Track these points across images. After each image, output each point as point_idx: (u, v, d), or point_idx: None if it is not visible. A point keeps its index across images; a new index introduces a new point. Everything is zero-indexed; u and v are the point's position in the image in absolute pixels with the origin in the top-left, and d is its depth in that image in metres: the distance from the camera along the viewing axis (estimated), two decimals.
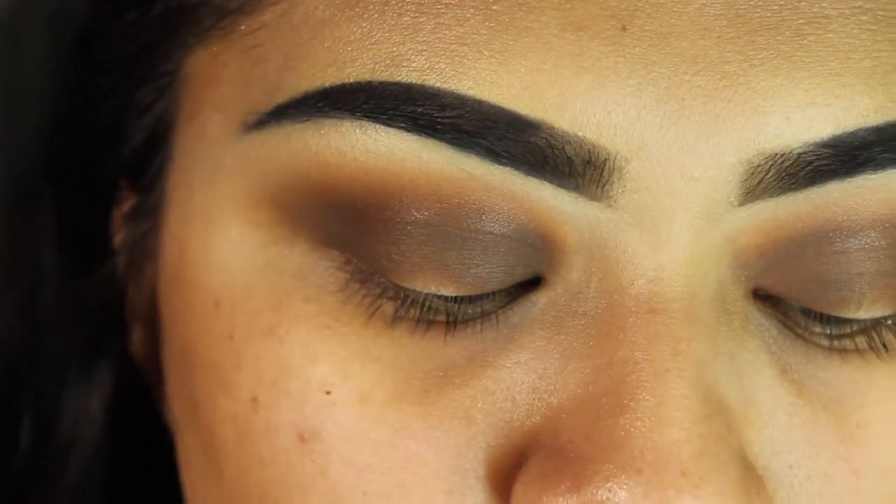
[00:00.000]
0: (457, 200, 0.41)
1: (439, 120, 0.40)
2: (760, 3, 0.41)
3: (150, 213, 0.48)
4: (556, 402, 0.41)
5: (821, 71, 0.41)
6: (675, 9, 0.40)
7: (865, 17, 0.41)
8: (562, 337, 0.42)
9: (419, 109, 0.41)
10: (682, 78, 0.40)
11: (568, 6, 0.40)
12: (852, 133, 0.41)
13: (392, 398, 0.42)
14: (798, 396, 0.43)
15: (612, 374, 0.41)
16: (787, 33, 0.41)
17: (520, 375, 0.42)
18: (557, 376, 0.41)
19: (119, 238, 0.50)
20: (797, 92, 0.41)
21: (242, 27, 0.44)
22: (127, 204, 0.49)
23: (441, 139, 0.41)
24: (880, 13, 0.41)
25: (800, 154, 0.41)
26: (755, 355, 0.42)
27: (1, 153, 0.53)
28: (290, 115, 0.42)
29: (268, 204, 0.43)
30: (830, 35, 0.41)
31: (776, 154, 0.41)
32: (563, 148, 0.40)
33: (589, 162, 0.40)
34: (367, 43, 0.41)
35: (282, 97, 0.42)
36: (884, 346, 0.43)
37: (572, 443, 0.40)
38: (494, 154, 0.40)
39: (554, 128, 0.40)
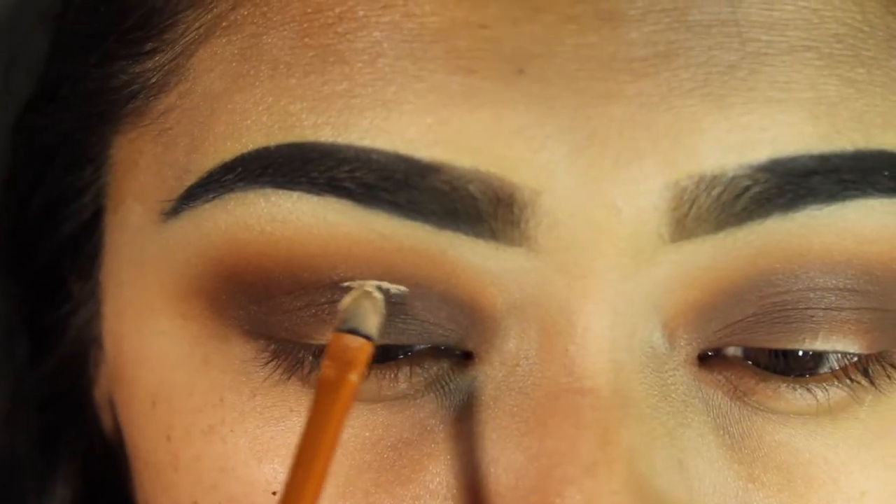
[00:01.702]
0: (369, 264, 0.39)
1: (338, 176, 0.39)
2: (685, 44, 0.38)
3: (91, 299, 0.46)
4: (490, 501, 0.39)
5: (757, 97, 0.38)
6: (582, 53, 0.38)
7: (809, 54, 0.38)
8: (498, 422, 0.39)
9: (317, 167, 0.39)
10: (590, 111, 0.38)
11: (457, 53, 0.38)
12: (793, 158, 0.38)
13: (342, 495, 0.40)
14: (749, 480, 0.40)
15: (540, 467, 0.38)
16: (716, 68, 0.38)
17: (458, 469, 0.40)
18: (492, 469, 0.39)
19: (69, 322, 0.48)
20: (730, 115, 0.38)
21: (151, 111, 0.43)
22: (71, 287, 0.48)
23: (344, 197, 0.39)
24: (825, 50, 0.39)
25: (733, 178, 0.38)
26: (699, 434, 0.39)
27: None
28: (199, 196, 0.41)
29: (195, 296, 0.42)
30: (768, 69, 0.38)
31: (707, 176, 0.38)
32: (467, 188, 0.38)
33: (497, 200, 0.38)
34: (259, 109, 0.40)
35: (191, 179, 0.41)
36: (861, 381, 0.40)
37: None
38: (400, 208, 0.38)
39: (455, 167, 0.38)
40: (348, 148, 0.39)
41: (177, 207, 0.41)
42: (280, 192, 0.39)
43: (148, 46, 0.42)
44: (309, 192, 0.39)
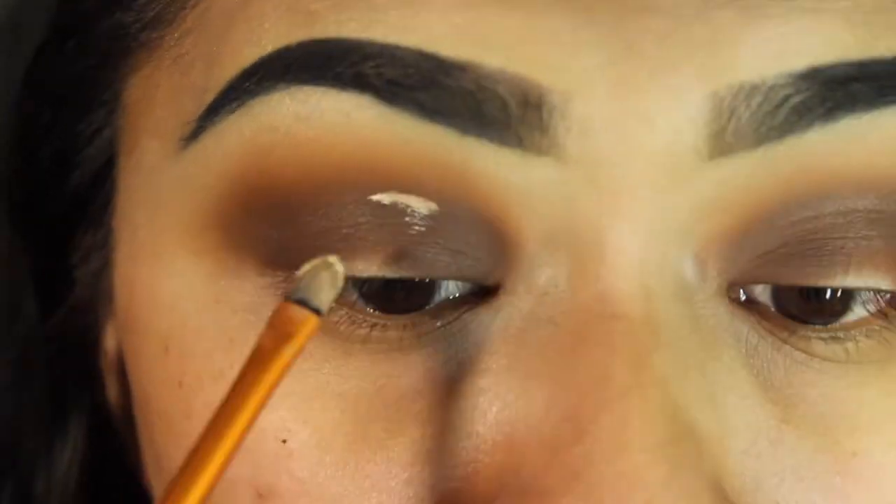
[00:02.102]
0: (392, 176, 0.38)
1: (363, 72, 0.37)
2: None
3: (100, 249, 0.45)
4: (517, 433, 0.37)
5: (795, 7, 0.37)
6: None
7: None
8: (525, 353, 0.38)
9: (341, 63, 0.38)
10: (627, 22, 0.36)
11: None
12: (832, 66, 0.37)
13: (352, 442, 0.38)
14: (783, 420, 0.38)
15: (571, 396, 0.37)
16: None
17: (483, 404, 0.38)
18: (519, 402, 0.37)
19: (79, 273, 0.47)
20: (768, 26, 0.37)
21: (167, 39, 0.41)
22: (82, 237, 0.46)
23: (368, 93, 0.37)
24: None
25: (773, 86, 0.36)
26: (730, 369, 0.38)
27: None
28: (221, 109, 0.39)
29: (211, 227, 0.40)
30: None
31: (746, 86, 0.36)
32: (495, 89, 0.37)
33: (526, 103, 0.36)
34: (279, 12, 0.39)
35: (210, 96, 0.40)
36: (889, 319, 0.39)
37: (534, 478, 0.36)
38: (424, 108, 0.37)
39: (482, 67, 0.37)
40: (373, 44, 0.37)
41: (198, 128, 0.40)
42: (305, 88, 0.38)
43: None
44: (334, 87, 0.38)
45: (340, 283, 0.37)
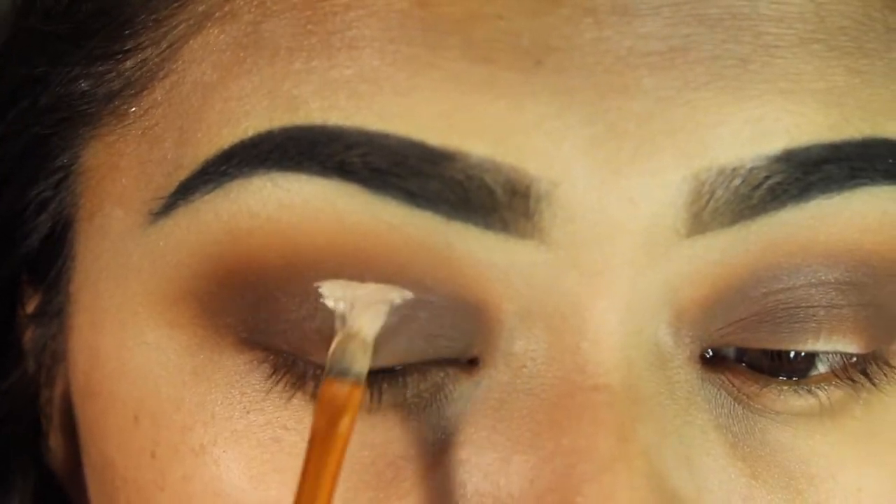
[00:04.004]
0: (375, 262, 0.38)
1: (347, 159, 0.38)
2: (699, 38, 0.38)
3: (55, 315, 0.44)
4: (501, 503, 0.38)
5: (770, 89, 0.38)
6: (600, 47, 0.37)
7: (817, 46, 0.39)
8: (505, 424, 0.38)
9: (326, 150, 0.38)
10: (609, 103, 0.37)
11: (474, 43, 0.37)
12: (806, 148, 0.38)
13: None
14: (752, 477, 0.40)
15: (556, 467, 0.37)
16: (730, 61, 0.38)
17: (462, 475, 0.39)
18: (501, 473, 0.38)
19: (26, 339, 0.46)
20: (745, 108, 0.38)
21: (133, 109, 0.41)
22: (31, 304, 0.46)
23: (353, 181, 0.38)
24: (833, 42, 0.39)
25: (752, 169, 0.38)
26: (703, 432, 0.39)
27: None
28: (196, 189, 0.39)
29: (185, 301, 0.40)
30: (779, 60, 0.38)
31: (726, 169, 0.38)
32: (483, 177, 0.37)
33: (514, 191, 0.37)
34: (259, 94, 0.39)
35: (183, 173, 0.39)
36: (853, 380, 0.40)
37: None
38: (411, 195, 0.37)
39: (470, 156, 0.37)
40: (359, 132, 0.37)
41: (169, 204, 0.40)
42: (288, 174, 0.38)
43: (130, 44, 0.41)
44: (318, 174, 0.38)
45: (370, 349, 0.38)
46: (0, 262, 0.45)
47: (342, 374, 0.37)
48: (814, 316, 0.39)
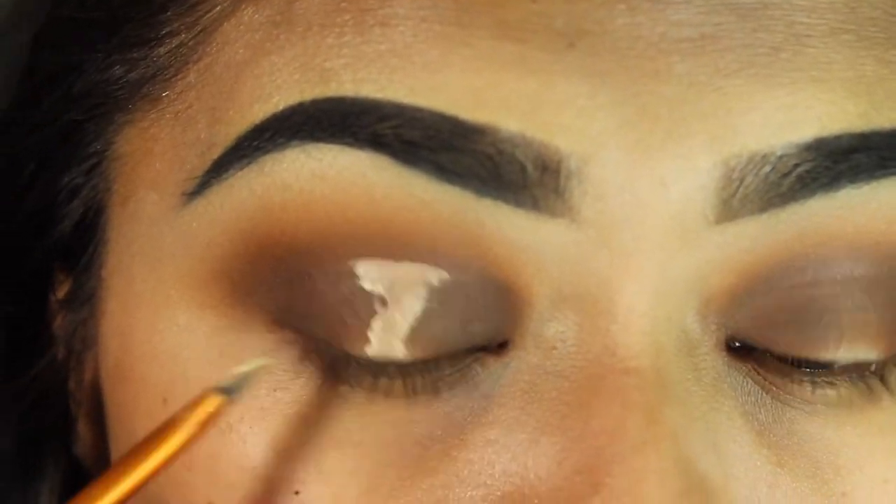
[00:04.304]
0: (406, 239, 0.38)
1: (380, 131, 0.38)
2: (730, 26, 0.38)
3: (86, 300, 0.44)
4: (529, 484, 0.38)
5: (801, 77, 0.38)
6: (632, 33, 0.38)
7: (847, 36, 0.39)
8: (535, 406, 0.39)
9: (358, 122, 0.38)
10: (640, 87, 0.38)
11: (506, 24, 0.38)
12: (837, 137, 0.38)
13: (364, 493, 0.39)
14: (778, 465, 0.40)
15: (585, 449, 0.38)
16: (761, 49, 0.38)
17: (491, 455, 0.39)
18: (529, 454, 0.38)
19: (56, 325, 0.46)
20: (776, 95, 0.38)
21: (167, 94, 0.41)
22: (62, 289, 0.46)
23: (386, 154, 0.38)
24: (863, 32, 0.39)
25: (781, 156, 0.38)
26: (730, 419, 0.39)
27: None
28: (230, 165, 0.39)
29: (217, 281, 0.40)
30: (811, 50, 0.39)
31: (756, 155, 0.38)
32: (513, 152, 0.37)
33: (544, 167, 0.37)
34: (291, 69, 0.39)
35: (216, 151, 0.40)
36: (870, 389, 0.40)
37: None
38: (442, 170, 0.38)
39: (500, 131, 0.37)
40: (391, 104, 0.38)
41: (203, 183, 0.40)
42: (321, 145, 0.38)
43: (164, 30, 0.41)
44: (351, 145, 0.38)
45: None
46: (33, 249, 0.45)
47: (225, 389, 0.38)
48: (837, 321, 0.39)
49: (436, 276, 0.38)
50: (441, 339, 0.39)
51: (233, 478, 0.40)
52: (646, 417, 0.38)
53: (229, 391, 0.38)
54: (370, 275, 0.38)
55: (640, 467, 0.37)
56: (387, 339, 0.39)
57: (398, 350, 0.39)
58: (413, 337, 0.38)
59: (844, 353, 0.40)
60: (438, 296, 0.38)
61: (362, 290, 0.38)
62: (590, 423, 0.38)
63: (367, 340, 0.39)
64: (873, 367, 0.40)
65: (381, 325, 0.38)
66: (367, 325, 0.39)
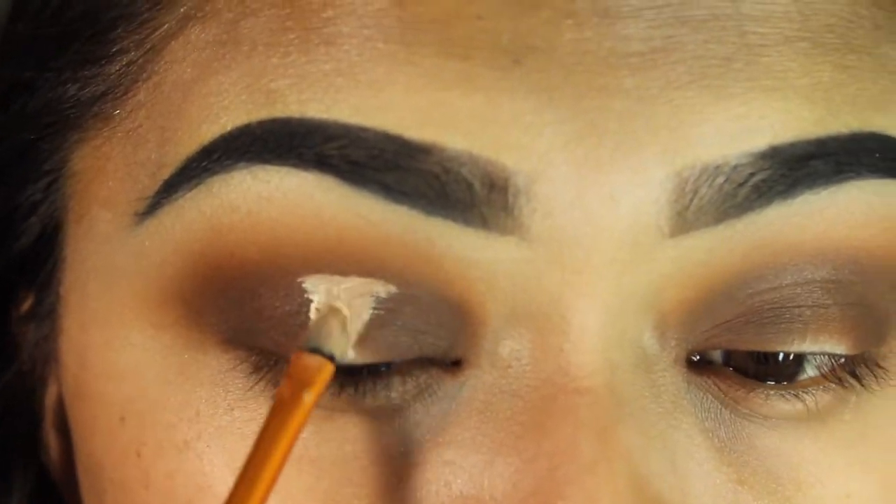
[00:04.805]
0: (355, 258, 0.38)
1: (326, 152, 0.38)
2: (681, 39, 0.38)
3: (47, 316, 0.44)
4: None
5: (754, 86, 0.38)
6: (580, 48, 0.37)
7: (803, 44, 0.39)
8: (490, 426, 0.38)
9: (303, 143, 0.38)
10: (589, 102, 0.37)
11: (451, 41, 0.37)
12: (792, 144, 0.38)
13: None
14: (739, 483, 0.39)
15: (538, 470, 0.37)
16: (713, 61, 0.38)
17: (448, 476, 0.39)
18: (485, 475, 0.38)
19: (21, 338, 0.46)
20: (729, 105, 0.38)
21: (118, 112, 0.41)
22: (24, 304, 0.46)
23: (331, 174, 0.38)
24: (819, 39, 0.39)
25: (736, 166, 0.37)
26: (689, 436, 0.39)
27: None
28: (179, 186, 0.39)
29: (171, 302, 0.40)
30: (764, 59, 0.38)
31: (709, 166, 0.37)
32: (460, 171, 0.37)
33: (491, 185, 0.37)
34: (237, 89, 0.39)
35: (166, 172, 0.40)
36: (842, 382, 0.40)
37: None
38: (388, 190, 0.37)
39: (446, 149, 0.37)
40: (336, 125, 0.38)
41: (153, 204, 0.40)
42: (267, 167, 0.38)
43: (115, 48, 0.41)
44: (297, 167, 0.38)
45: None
46: None
47: (316, 349, 0.37)
48: (800, 316, 0.39)
49: (384, 289, 0.38)
50: (392, 345, 0.38)
51: (190, 495, 0.40)
52: (598, 437, 0.37)
53: (320, 350, 0.38)
54: (318, 288, 0.38)
55: (593, 488, 0.37)
56: (328, 326, 0.38)
57: (347, 353, 0.38)
58: (362, 341, 0.38)
59: (810, 344, 0.39)
60: (388, 304, 0.38)
61: (310, 301, 0.38)
62: (543, 443, 0.38)
63: None
64: (843, 362, 0.40)
65: (325, 311, 0.38)
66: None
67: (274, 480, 0.36)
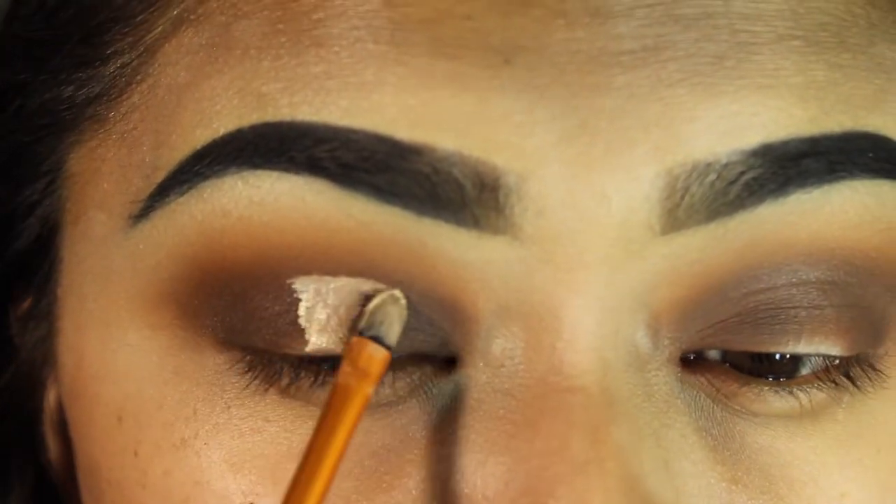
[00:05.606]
0: (347, 259, 0.38)
1: (317, 155, 0.38)
2: (673, 37, 0.38)
3: (44, 317, 0.45)
4: None
5: (746, 84, 0.38)
6: (571, 47, 0.37)
7: (796, 42, 0.38)
8: (483, 424, 0.38)
9: (294, 146, 0.38)
10: (579, 101, 0.37)
11: (441, 41, 0.37)
12: (784, 142, 0.38)
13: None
14: (732, 482, 0.39)
15: (530, 469, 0.37)
16: (705, 59, 0.38)
17: (443, 474, 0.39)
18: (478, 473, 0.38)
19: (19, 339, 0.47)
20: (720, 103, 0.37)
21: (112, 114, 0.41)
22: (23, 305, 0.46)
23: (323, 177, 0.38)
24: (812, 38, 0.39)
25: (727, 164, 0.37)
26: (682, 436, 0.39)
27: None
28: (171, 190, 0.40)
29: (166, 303, 0.40)
30: (757, 57, 0.38)
31: (700, 164, 0.37)
32: (451, 171, 0.37)
33: (482, 185, 0.37)
34: (229, 93, 0.39)
35: (160, 175, 0.40)
36: (836, 383, 0.40)
37: None
38: (380, 191, 0.37)
39: (437, 150, 0.37)
40: (327, 127, 0.38)
41: (147, 207, 0.40)
42: (258, 172, 0.38)
43: (109, 50, 0.41)
44: (288, 171, 0.38)
45: (405, 317, 0.38)
46: None
47: (378, 338, 0.38)
48: (795, 317, 0.39)
49: (373, 288, 0.38)
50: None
51: (187, 492, 0.40)
52: (590, 436, 0.37)
53: (381, 340, 0.38)
54: (308, 288, 0.38)
55: (583, 487, 0.37)
56: (325, 335, 0.39)
57: (336, 344, 0.39)
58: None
59: (805, 346, 0.39)
60: None
61: (300, 300, 0.38)
62: (535, 442, 0.38)
63: (305, 341, 0.39)
64: (838, 363, 0.40)
65: (319, 325, 0.39)
66: (304, 330, 0.39)
67: (336, 469, 0.37)
